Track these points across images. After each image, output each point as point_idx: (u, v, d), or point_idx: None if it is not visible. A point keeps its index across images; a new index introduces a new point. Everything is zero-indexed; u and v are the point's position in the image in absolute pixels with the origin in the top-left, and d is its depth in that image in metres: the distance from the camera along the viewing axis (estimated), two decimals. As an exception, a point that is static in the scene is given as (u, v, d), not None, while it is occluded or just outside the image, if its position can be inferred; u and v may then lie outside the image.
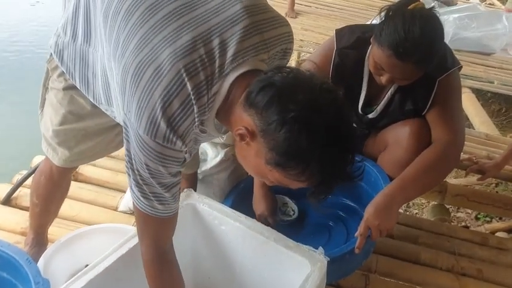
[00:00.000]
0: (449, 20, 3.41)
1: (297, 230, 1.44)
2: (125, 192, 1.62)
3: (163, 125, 0.74)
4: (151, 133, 0.75)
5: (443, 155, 1.25)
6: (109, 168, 1.74)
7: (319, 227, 1.44)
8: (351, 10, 4.15)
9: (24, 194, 1.55)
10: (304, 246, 1.01)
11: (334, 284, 1.34)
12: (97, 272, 0.93)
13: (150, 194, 0.83)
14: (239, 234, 1.07)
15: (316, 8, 4.09)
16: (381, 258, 1.49)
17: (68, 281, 0.92)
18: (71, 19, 0.95)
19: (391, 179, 1.28)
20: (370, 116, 1.41)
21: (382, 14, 1.19)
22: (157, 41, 0.77)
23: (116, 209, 1.59)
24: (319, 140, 0.70)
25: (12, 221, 1.50)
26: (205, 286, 1.22)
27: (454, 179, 2.28)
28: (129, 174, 0.83)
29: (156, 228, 0.89)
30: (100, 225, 1.34)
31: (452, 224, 2.10)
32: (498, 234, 2.07)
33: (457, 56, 1.39)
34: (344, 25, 1.44)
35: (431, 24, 1.16)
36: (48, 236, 1.35)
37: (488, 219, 2.25)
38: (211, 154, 1.46)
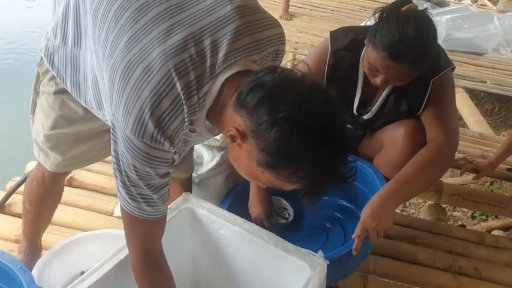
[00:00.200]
0: (442, 21, 3.44)
1: (294, 232, 1.43)
2: (120, 197, 1.60)
3: (151, 125, 0.74)
4: (138, 133, 0.74)
5: (438, 155, 1.26)
6: (104, 173, 1.73)
7: (316, 229, 1.44)
8: (345, 12, 4.17)
9: (18, 201, 1.53)
10: (303, 249, 1.00)
11: (333, 286, 1.34)
12: (94, 279, 0.91)
13: (137, 196, 0.82)
14: (238, 238, 1.06)
15: (310, 10, 4.10)
16: (378, 259, 1.49)
17: (63, 288, 0.91)
18: (60, 22, 0.95)
19: (387, 180, 1.28)
20: (365, 117, 1.42)
21: (376, 15, 1.20)
22: (147, 40, 0.76)
23: (111, 214, 1.58)
24: (310, 140, 0.70)
25: (5, 228, 1.48)
26: (203, 291, 1.21)
27: (449, 178, 2.29)
28: (116, 176, 0.82)
29: (144, 231, 0.88)
30: (96, 231, 1.33)
31: (448, 223, 2.11)
32: (494, 232, 2.08)
33: (450, 56, 1.40)
34: (338, 27, 1.44)
35: (424, 26, 1.17)
36: (43, 243, 1.33)
37: (484, 217, 2.26)
38: (207, 157, 1.46)
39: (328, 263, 0.98)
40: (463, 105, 2.84)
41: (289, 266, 1.00)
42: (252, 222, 1.12)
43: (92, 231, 1.34)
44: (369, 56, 1.22)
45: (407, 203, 2.28)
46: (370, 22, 1.25)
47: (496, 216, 2.20)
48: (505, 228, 2.14)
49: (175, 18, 0.78)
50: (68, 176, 1.59)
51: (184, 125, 0.77)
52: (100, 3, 0.84)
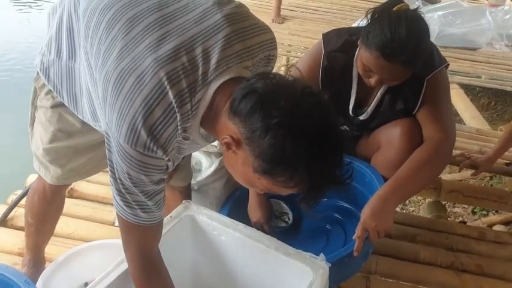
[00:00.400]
0: (434, 17, 3.46)
1: (295, 234, 1.44)
2: (121, 206, 1.61)
3: (143, 134, 0.74)
4: (131, 142, 0.75)
5: (435, 152, 1.26)
6: (104, 184, 1.73)
7: (317, 231, 1.44)
8: (336, 12, 4.18)
9: (20, 214, 1.54)
10: (305, 253, 1.00)
11: (335, 288, 1.34)
12: (98, 291, 0.92)
13: (133, 203, 0.83)
14: (239, 244, 1.07)
15: (302, 12, 4.12)
16: (380, 259, 1.49)
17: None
18: (54, 37, 0.96)
19: (386, 180, 1.28)
20: (361, 117, 1.42)
21: (368, 16, 1.21)
22: (139, 50, 0.77)
23: (113, 224, 1.58)
24: (304, 144, 0.70)
25: (8, 242, 1.49)
26: (206, 297, 1.21)
27: (448, 175, 2.30)
28: (111, 184, 0.83)
29: (141, 237, 0.89)
30: (97, 242, 1.33)
31: (449, 219, 2.11)
32: (495, 227, 2.09)
33: (444, 52, 1.41)
34: (330, 28, 1.45)
35: (416, 25, 1.18)
36: (46, 255, 1.34)
37: (484, 212, 2.26)
38: (205, 164, 1.46)
39: (330, 265, 0.99)
40: (459, 101, 2.85)
41: (291, 269, 1.00)
42: (252, 226, 1.13)
43: (93, 241, 1.34)
44: (363, 56, 1.22)
45: (407, 201, 2.29)
46: (363, 22, 1.26)
47: (497, 211, 2.20)
48: (506, 223, 2.14)
49: (166, 27, 0.79)
50: (69, 187, 1.59)
51: (177, 132, 0.78)
52: (92, 15, 0.85)
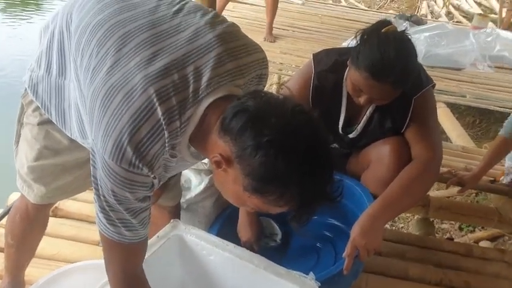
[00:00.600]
0: (421, 38, 3.55)
1: (285, 252, 1.42)
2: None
3: (129, 151, 0.74)
4: (116, 158, 0.74)
5: (423, 170, 1.28)
6: (90, 202, 1.69)
7: (307, 249, 1.43)
8: (326, 32, 4.26)
9: (0, 235, 1.49)
10: (294, 272, 1.00)
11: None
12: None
13: (116, 221, 0.81)
14: (228, 264, 1.05)
15: (293, 31, 4.18)
16: (370, 277, 1.49)
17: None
18: (45, 52, 0.95)
19: (375, 197, 1.29)
20: (351, 135, 1.43)
21: (357, 37, 1.23)
22: (130, 66, 0.77)
23: (98, 244, 1.54)
24: (295, 162, 0.70)
25: (-12, 263, 1.43)
26: (194, 319, 1.18)
27: (436, 191, 2.32)
28: (95, 201, 0.82)
29: (124, 256, 0.87)
30: (82, 263, 1.29)
31: (437, 235, 2.13)
32: (482, 243, 2.11)
33: (431, 71, 1.44)
34: (320, 47, 1.48)
35: (404, 46, 1.20)
36: (26, 278, 1.29)
37: (471, 228, 2.29)
38: (195, 181, 1.45)
39: (320, 284, 0.98)
40: (446, 120, 2.91)
41: (281, 289, 0.99)
42: (241, 246, 1.11)
43: (77, 262, 1.30)
44: (352, 76, 1.24)
45: (396, 218, 2.30)
46: (352, 43, 1.28)
47: (483, 227, 2.23)
48: (492, 239, 2.17)
49: (158, 45, 0.79)
50: (53, 206, 1.56)
51: (164, 150, 0.77)
52: (84, 31, 0.85)
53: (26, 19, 5.59)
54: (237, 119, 0.72)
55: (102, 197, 0.80)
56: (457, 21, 5.51)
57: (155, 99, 0.74)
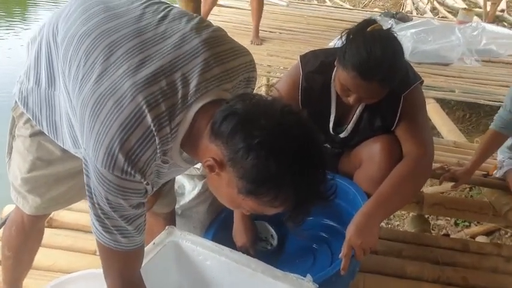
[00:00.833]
0: (407, 35, 3.57)
1: (281, 255, 1.42)
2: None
3: (121, 158, 0.74)
4: (108, 166, 0.75)
5: (415, 167, 1.29)
6: (86, 211, 1.67)
7: (303, 250, 1.43)
8: (313, 32, 4.28)
9: (-4, 247, 1.48)
10: (292, 275, 1.00)
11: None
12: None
13: (112, 228, 0.82)
14: (225, 269, 1.05)
15: (280, 33, 4.20)
16: (367, 276, 1.49)
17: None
18: (33, 64, 0.95)
19: (369, 196, 1.30)
20: (342, 135, 1.44)
21: (343, 37, 1.24)
22: (118, 74, 0.77)
23: (94, 253, 1.53)
24: (287, 162, 0.70)
25: (-17, 277, 1.42)
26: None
27: (430, 187, 2.34)
28: (90, 209, 0.82)
29: (122, 263, 0.88)
30: (79, 273, 1.28)
31: (433, 232, 2.14)
32: (478, 238, 2.12)
33: (419, 68, 1.46)
34: (308, 48, 1.49)
35: (391, 44, 1.21)
36: (24, 290, 1.28)
37: (467, 223, 2.30)
38: (188, 187, 1.44)
39: (318, 286, 0.98)
40: (436, 115, 2.93)
41: (278, 292, 0.99)
42: (237, 250, 1.11)
43: (74, 272, 1.29)
44: (340, 76, 1.25)
45: (391, 216, 2.31)
46: (338, 43, 1.29)
47: (479, 222, 2.24)
48: (487, 233, 2.18)
49: (145, 53, 0.80)
50: (48, 217, 1.54)
51: (156, 156, 0.77)
52: (70, 42, 0.85)
53: (13, 31, 5.55)
54: (226, 122, 0.73)
55: (96, 205, 0.80)
56: (442, 17, 5.56)
57: (144, 106, 0.75)
